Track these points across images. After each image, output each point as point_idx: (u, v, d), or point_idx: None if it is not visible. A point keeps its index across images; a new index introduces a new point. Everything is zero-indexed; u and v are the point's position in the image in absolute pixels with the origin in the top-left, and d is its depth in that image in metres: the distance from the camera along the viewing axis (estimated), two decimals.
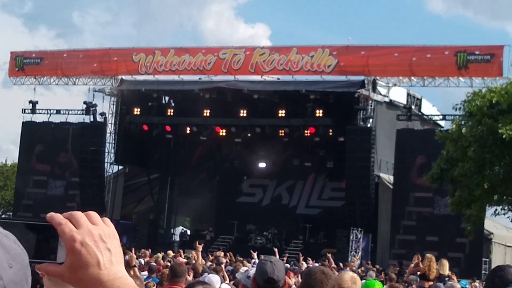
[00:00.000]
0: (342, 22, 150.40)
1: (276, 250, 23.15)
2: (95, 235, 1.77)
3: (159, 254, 26.03)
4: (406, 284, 17.38)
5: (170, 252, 27.68)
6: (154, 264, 16.30)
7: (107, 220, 1.84)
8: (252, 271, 6.85)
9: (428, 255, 17.39)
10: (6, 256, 1.46)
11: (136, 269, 14.23)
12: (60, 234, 1.75)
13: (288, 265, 23.50)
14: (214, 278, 9.02)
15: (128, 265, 14.56)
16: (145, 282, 11.42)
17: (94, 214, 1.82)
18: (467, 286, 14.34)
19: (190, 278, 12.27)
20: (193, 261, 18.68)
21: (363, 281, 7.19)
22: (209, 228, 46.30)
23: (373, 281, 7.86)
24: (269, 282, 5.72)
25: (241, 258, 26.59)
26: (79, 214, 1.79)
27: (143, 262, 17.53)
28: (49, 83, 47.27)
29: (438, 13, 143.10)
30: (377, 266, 31.15)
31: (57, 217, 1.77)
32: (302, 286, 5.59)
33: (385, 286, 17.17)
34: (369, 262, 33.48)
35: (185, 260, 20.36)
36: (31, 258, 1.74)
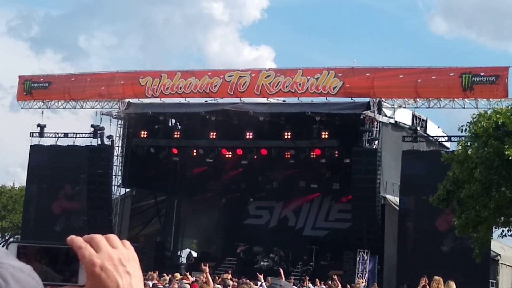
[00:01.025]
0: (347, 44, 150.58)
1: (281, 270, 23.13)
2: (115, 258, 1.77)
3: (166, 276, 26.04)
4: None
5: (177, 275, 27.73)
6: (161, 287, 16.36)
7: (127, 242, 1.85)
8: None
9: (436, 277, 17.46)
10: None
11: None
12: (80, 258, 1.75)
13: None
14: None
15: None
16: None
17: (114, 237, 1.82)
18: None
19: None
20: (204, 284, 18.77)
21: None
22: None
23: None
24: None
25: (247, 280, 26.63)
26: (99, 238, 1.79)
27: (150, 285, 17.59)
28: (57, 106, 47.49)
29: (442, 34, 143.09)
30: None
31: (77, 241, 1.77)
32: None
33: None
34: (375, 284, 33.46)
35: (192, 281, 20.45)
36: (52, 281, 1.78)
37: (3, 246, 1.79)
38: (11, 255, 1.58)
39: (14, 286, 1.47)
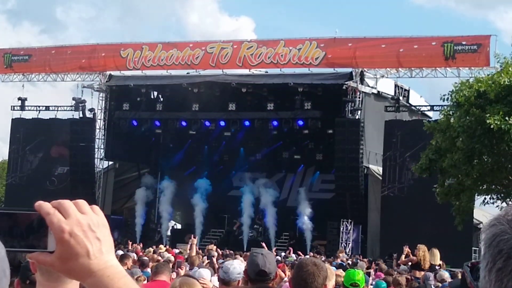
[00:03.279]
0: (329, 14, 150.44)
1: (264, 244, 23.16)
2: (84, 224, 1.75)
3: (150, 248, 26.08)
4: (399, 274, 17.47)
5: (162, 247, 27.78)
6: (146, 258, 16.34)
7: (96, 208, 1.83)
8: (228, 265, 6.92)
9: (420, 245, 17.52)
10: None
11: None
12: (49, 224, 1.73)
13: (279, 258, 23.61)
14: (205, 272, 9.12)
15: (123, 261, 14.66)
16: (136, 276, 11.48)
17: (82, 203, 1.80)
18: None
19: (182, 271, 12.37)
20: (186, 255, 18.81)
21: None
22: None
23: (353, 270, 7.97)
24: (260, 275, 5.77)
25: (232, 252, 26.70)
26: (67, 203, 1.77)
27: (135, 257, 17.58)
28: (37, 79, 47.27)
29: (421, 3, 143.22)
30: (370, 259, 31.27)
31: (45, 207, 1.74)
32: (294, 278, 5.61)
33: (375, 276, 17.30)
34: (362, 255, 33.64)
35: (180, 255, 20.48)
36: (21, 248, 1.76)
37: None
38: None
39: None
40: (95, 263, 1.75)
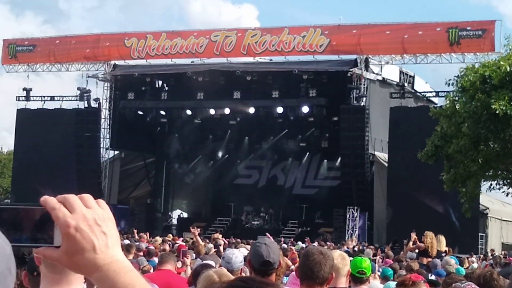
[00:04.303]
0: (333, 1, 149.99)
1: (268, 234, 23.10)
2: (89, 219, 1.74)
3: (157, 237, 26.07)
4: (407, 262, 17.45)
5: (170, 236, 27.82)
6: (152, 248, 16.36)
7: (101, 202, 1.81)
8: (230, 254, 6.91)
9: (428, 232, 17.46)
10: None
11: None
12: (54, 219, 1.72)
13: (285, 246, 23.60)
14: (211, 262, 9.08)
15: (128, 251, 14.67)
16: (142, 266, 11.50)
17: (88, 197, 1.79)
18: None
19: (188, 260, 12.37)
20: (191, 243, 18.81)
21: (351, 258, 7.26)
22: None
23: (359, 258, 7.93)
24: (264, 265, 5.73)
25: (239, 240, 26.70)
26: (72, 198, 1.76)
27: (143, 246, 17.58)
28: (42, 70, 47.29)
29: None
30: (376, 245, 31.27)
31: (50, 202, 1.74)
32: (300, 267, 5.58)
33: (382, 263, 17.29)
34: (368, 242, 33.62)
35: (183, 243, 20.47)
36: (28, 243, 1.75)
37: None
38: None
39: None
40: (101, 258, 1.74)
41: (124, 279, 1.74)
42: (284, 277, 8.16)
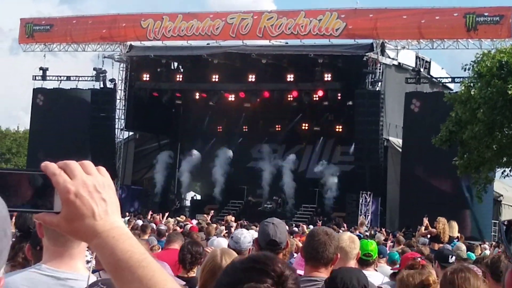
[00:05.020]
0: None
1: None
2: (89, 185, 1.75)
3: (170, 219, 26.15)
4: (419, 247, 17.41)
5: (183, 217, 27.90)
6: (163, 228, 16.40)
7: (102, 169, 1.83)
8: (238, 234, 6.91)
9: (440, 218, 17.43)
10: None
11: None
12: (54, 185, 1.73)
13: (296, 229, 23.63)
14: (223, 241, 9.11)
15: (144, 231, 14.75)
16: (151, 245, 11.56)
17: (88, 164, 1.81)
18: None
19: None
20: (205, 225, 18.86)
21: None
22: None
23: (366, 240, 7.96)
24: (271, 244, 5.74)
25: (250, 223, 26.72)
26: (73, 164, 1.78)
27: (154, 227, 17.65)
28: (58, 49, 47.37)
29: None
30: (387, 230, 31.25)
31: (51, 167, 1.75)
32: (305, 247, 5.57)
33: (395, 248, 17.27)
34: (381, 227, 33.56)
35: (195, 226, 20.52)
36: (28, 208, 1.77)
37: None
38: None
39: None
40: (101, 224, 1.75)
41: (123, 246, 1.75)
42: (292, 258, 8.19)
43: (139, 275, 1.72)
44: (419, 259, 7.85)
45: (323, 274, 5.28)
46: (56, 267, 3.36)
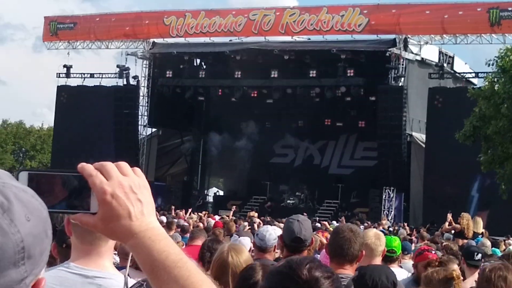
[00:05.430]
0: None
1: (305, 214, 22.95)
2: (126, 186, 1.77)
3: (193, 215, 26.25)
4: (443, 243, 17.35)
5: (205, 213, 27.98)
6: (186, 224, 16.50)
7: (137, 170, 1.83)
8: (263, 231, 6.92)
9: (464, 214, 17.38)
10: (24, 210, 1.45)
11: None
12: (91, 186, 1.75)
13: (319, 225, 23.60)
14: (245, 241, 9.07)
15: (169, 227, 14.82)
16: (176, 241, 11.59)
17: (124, 165, 1.82)
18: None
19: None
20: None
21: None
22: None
23: (389, 237, 7.96)
24: (296, 242, 5.76)
25: (273, 220, 26.71)
26: (109, 165, 1.79)
27: (180, 223, 17.74)
28: (82, 47, 47.63)
29: None
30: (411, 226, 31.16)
31: (88, 168, 1.77)
32: (330, 244, 5.59)
33: (418, 244, 17.24)
34: (404, 223, 33.46)
35: (217, 219, 20.58)
36: (65, 209, 1.79)
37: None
38: (14, 178, 1.57)
39: (16, 205, 1.45)
40: (137, 225, 1.77)
41: (159, 246, 1.77)
42: (317, 255, 8.19)
43: (175, 275, 1.75)
44: (433, 251, 7.91)
45: (349, 271, 5.29)
46: (84, 265, 3.40)
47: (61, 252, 4.07)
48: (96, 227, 1.78)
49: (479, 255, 8.58)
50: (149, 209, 1.81)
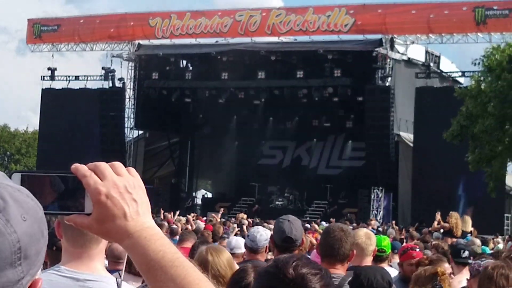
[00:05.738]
0: None
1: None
2: (120, 186, 1.75)
3: (181, 217, 26.14)
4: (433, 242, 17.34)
5: (193, 215, 27.90)
6: (175, 226, 16.42)
7: (132, 170, 1.83)
8: (254, 232, 6.87)
9: (453, 213, 17.42)
10: (19, 209, 1.43)
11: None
12: (85, 186, 1.74)
13: (309, 226, 23.57)
14: (242, 241, 8.92)
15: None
16: None
17: (119, 165, 1.81)
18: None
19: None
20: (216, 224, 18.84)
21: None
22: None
23: (379, 236, 7.95)
24: (286, 241, 5.73)
25: (262, 221, 26.68)
26: (103, 165, 1.78)
27: (166, 225, 17.68)
28: (66, 49, 47.45)
29: None
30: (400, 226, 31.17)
31: (81, 169, 1.76)
32: (321, 244, 5.58)
33: (406, 243, 17.23)
34: (393, 222, 33.51)
35: (206, 221, 20.52)
36: (59, 210, 1.76)
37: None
38: (8, 178, 1.52)
39: (12, 205, 1.42)
40: (132, 225, 1.75)
41: (155, 246, 1.74)
42: (307, 255, 8.14)
43: (172, 274, 1.72)
44: (417, 249, 7.93)
45: (340, 270, 5.27)
46: (75, 268, 3.35)
47: (50, 254, 4.00)
48: (91, 228, 1.76)
49: (466, 253, 8.60)
50: (144, 208, 1.79)
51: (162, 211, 27.79)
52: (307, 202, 43.53)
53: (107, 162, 1.85)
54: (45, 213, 1.55)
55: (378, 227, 27.58)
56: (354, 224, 28.78)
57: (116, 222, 1.75)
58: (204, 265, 5.11)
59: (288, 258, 2.52)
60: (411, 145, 39.19)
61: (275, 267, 2.47)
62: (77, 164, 1.77)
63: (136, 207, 1.77)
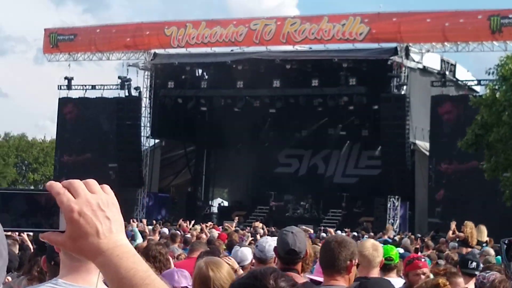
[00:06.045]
0: None
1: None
2: (93, 204, 1.77)
3: (197, 226, 26.14)
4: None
5: (211, 223, 27.92)
6: (189, 236, 16.46)
7: (106, 187, 1.83)
8: (263, 243, 6.88)
9: (468, 222, 17.33)
10: None
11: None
12: (59, 204, 1.75)
13: (324, 235, 23.52)
14: (247, 251, 8.97)
15: (173, 240, 14.73)
16: (176, 254, 11.55)
17: (92, 182, 1.82)
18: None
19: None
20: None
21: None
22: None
23: (387, 246, 7.96)
24: (290, 254, 5.73)
25: (276, 230, 26.64)
26: (77, 183, 1.79)
27: (182, 234, 17.70)
28: (83, 59, 47.67)
29: None
30: (418, 234, 31.03)
31: (55, 186, 1.77)
32: (319, 256, 5.69)
33: (423, 253, 17.16)
34: (409, 231, 33.39)
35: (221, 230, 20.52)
36: (34, 228, 1.78)
37: None
38: None
39: None
40: (105, 242, 1.77)
41: (127, 264, 1.76)
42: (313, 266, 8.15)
43: None
44: (423, 259, 7.94)
45: (340, 282, 5.30)
46: (72, 282, 3.39)
47: (49, 268, 4.05)
48: (64, 245, 1.78)
49: (474, 264, 8.59)
50: (117, 226, 1.81)
51: (181, 221, 27.75)
52: (323, 211, 43.44)
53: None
54: (20, 231, 1.57)
55: (394, 236, 27.46)
56: (371, 233, 28.74)
57: (89, 240, 1.76)
58: (206, 281, 5.15)
59: (265, 270, 2.54)
60: (427, 153, 39.05)
61: (254, 278, 2.48)
62: (52, 182, 1.79)
63: (109, 224, 1.78)
